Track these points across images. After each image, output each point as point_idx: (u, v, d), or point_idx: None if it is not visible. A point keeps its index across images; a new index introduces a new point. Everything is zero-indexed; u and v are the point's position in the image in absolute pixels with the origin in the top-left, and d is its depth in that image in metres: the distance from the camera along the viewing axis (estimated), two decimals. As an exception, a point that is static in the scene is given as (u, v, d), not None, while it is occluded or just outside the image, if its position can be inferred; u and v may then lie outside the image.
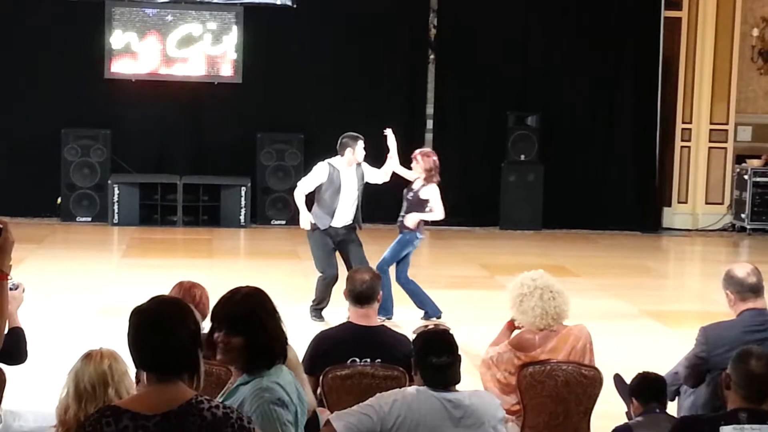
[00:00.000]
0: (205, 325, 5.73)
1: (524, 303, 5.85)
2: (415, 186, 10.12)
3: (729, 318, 5.78)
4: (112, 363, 4.36)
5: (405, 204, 10.12)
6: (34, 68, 15.65)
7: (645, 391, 5.28)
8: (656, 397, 5.25)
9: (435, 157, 10.15)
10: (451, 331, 4.92)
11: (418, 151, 10.30)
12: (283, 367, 4.07)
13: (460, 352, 4.77)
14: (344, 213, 9.96)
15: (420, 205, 9.99)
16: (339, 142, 10.10)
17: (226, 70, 16.00)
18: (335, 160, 10.01)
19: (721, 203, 16.96)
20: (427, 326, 5.06)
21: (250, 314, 3.99)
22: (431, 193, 9.99)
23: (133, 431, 3.25)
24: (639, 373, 5.41)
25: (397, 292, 10.06)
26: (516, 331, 5.98)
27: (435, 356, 4.68)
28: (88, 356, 4.42)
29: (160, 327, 3.37)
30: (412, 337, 5.04)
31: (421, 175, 10.04)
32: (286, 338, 4.08)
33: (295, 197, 10.19)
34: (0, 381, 5.24)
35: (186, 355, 3.38)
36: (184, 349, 3.37)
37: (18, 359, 5.28)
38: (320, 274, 10.00)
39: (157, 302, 3.45)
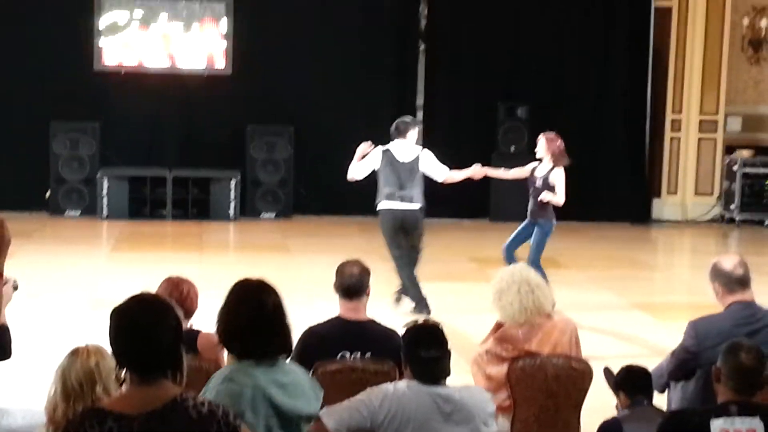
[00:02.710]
0: (193, 321, 5.76)
1: (503, 298, 5.84)
2: (540, 172, 10.07)
3: (718, 310, 5.76)
4: (99, 360, 4.31)
5: (532, 191, 10.06)
6: (23, 60, 15.58)
7: (630, 383, 5.27)
8: (642, 390, 5.23)
9: (560, 142, 10.13)
10: (440, 325, 4.91)
11: (542, 134, 10.28)
12: (280, 363, 4.13)
13: (450, 347, 4.76)
14: None
15: (550, 189, 9.95)
16: (399, 124, 10.08)
17: (217, 62, 15.96)
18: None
19: (711, 194, 16.97)
20: (416, 320, 5.05)
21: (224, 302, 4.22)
22: (558, 177, 9.96)
23: None
24: (623, 366, 5.39)
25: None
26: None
27: (424, 350, 4.68)
28: (75, 353, 4.37)
29: (139, 328, 3.33)
30: (401, 331, 5.03)
31: (546, 160, 10.03)
32: (272, 333, 4.13)
33: (454, 178, 10.23)
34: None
35: (168, 354, 3.36)
36: (165, 347, 3.35)
37: (2, 356, 5.24)
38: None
39: (136, 302, 3.41)
